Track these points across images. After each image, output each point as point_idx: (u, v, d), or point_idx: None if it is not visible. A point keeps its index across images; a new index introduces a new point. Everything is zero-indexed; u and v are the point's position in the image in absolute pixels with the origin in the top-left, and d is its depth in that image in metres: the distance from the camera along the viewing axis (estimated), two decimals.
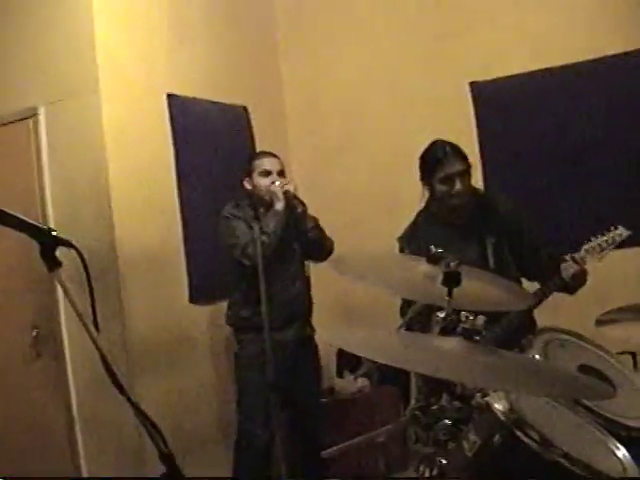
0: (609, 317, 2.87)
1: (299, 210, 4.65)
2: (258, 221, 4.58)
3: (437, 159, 4.02)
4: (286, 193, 4.58)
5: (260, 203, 4.70)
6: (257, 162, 4.76)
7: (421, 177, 4.13)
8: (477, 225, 4.08)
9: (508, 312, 3.76)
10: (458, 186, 3.98)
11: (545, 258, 4.10)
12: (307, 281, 4.91)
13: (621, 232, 3.94)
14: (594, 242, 3.93)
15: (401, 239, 4.23)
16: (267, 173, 4.70)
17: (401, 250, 4.18)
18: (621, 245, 4.02)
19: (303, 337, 4.78)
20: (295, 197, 4.62)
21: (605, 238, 3.93)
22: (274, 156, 4.80)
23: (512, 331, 3.69)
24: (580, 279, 3.93)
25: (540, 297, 3.93)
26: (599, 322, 2.84)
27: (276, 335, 4.41)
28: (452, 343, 2.18)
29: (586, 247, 3.93)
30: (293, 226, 4.66)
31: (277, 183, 4.62)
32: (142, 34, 5.11)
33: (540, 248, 4.12)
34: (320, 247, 4.81)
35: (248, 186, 4.75)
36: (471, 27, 5.84)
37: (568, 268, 3.90)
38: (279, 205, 4.56)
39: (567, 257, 3.94)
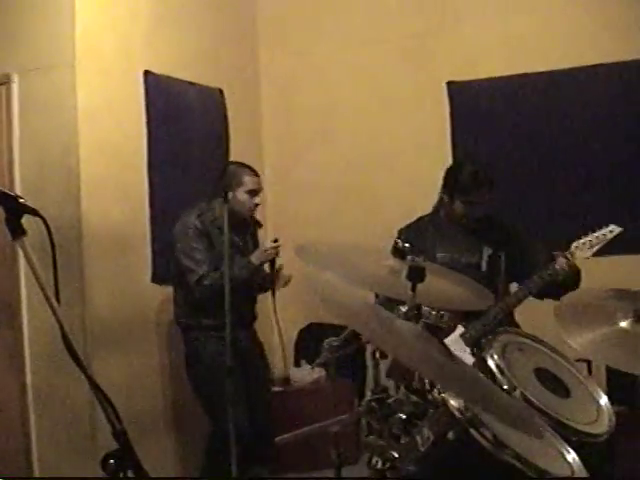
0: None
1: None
2: (235, 241, 4.66)
3: (466, 185, 4.19)
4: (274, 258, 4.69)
5: (236, 219, 4.66)
6: (247, 179, 4.74)
7: (443, 186, 4.33)
8: (479, 233, 4.27)
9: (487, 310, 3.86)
10: (478, 212, 4.21)
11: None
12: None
13: (612, 229, 3.96)
14: (584, 239, 3.96)
15: (401, 231, 4.42)
16: (254, 193, 4.75)
17: (397, 241, 4.24)
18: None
19: (252, 336, 4.93)
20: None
21: (596, 235, 3.95)
22: (258, 175, 4.84)
23: (494, 327, 3.75)
24: (570, 273, 3.96)
25: (525, 292, 4.03)
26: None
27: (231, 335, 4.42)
28: (414, 327, 2.20)
29: (576, 244, 3.96)
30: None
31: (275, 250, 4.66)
32: (121, 11, 5.06)
33: (539, 264, 4.16)
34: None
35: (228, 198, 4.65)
36: (453, 25, 5.87)
37: (558, 262, 3.94)
38: (262, 258, 4.66)
39: (556, 253, 3.99)
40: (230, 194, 4.60)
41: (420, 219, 4.47)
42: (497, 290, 4.12)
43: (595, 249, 3.95)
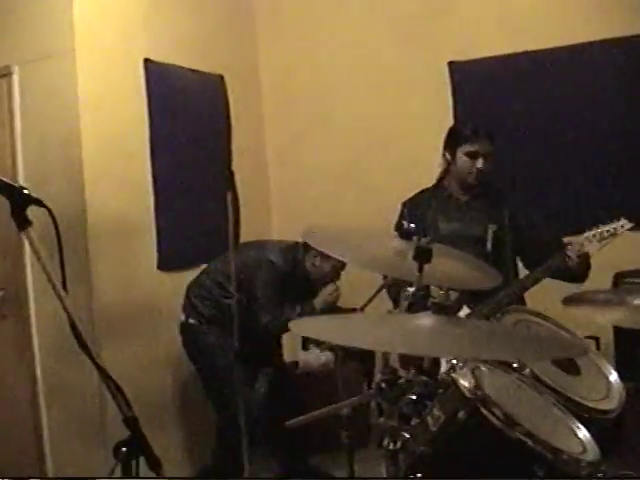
0: (575, 298, 2.88)
1: None
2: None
3: (467, 134, 4.21)
4: None
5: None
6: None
7: (445, 146, 4.32)
8: (483, 208, 4.24)
9: (495, 292, 3.82)
10: (480, 165, 4.16)
11: (549, 252, 4.10)
12: None
13: (623, 224, 3.89)
14: (595, 230, 3.90)
15: (405, 204, 4.42)
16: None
17: (401, 215, 4.35)
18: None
19: None
20: None
21: (607, 228, 3.90)
22: None
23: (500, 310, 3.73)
24: (582, 261, 3.94)
25: (538, 276, 4.00)
26: (565, 301, 2.84)
27: None
28: (423, 320, 2.14)
29: (587, 235, 3.91)
30: None
31: None
32: None
33: (546, 243, 4.13)
34: None
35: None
36: (451, 7, 5.82)
37: (569, 250, 3.92)
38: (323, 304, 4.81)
39: (567, 240, 3.97)
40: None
41: (423, 191, 4.43)
42: (507, 267, 4.13)
43: (604, 243, 3.89)
